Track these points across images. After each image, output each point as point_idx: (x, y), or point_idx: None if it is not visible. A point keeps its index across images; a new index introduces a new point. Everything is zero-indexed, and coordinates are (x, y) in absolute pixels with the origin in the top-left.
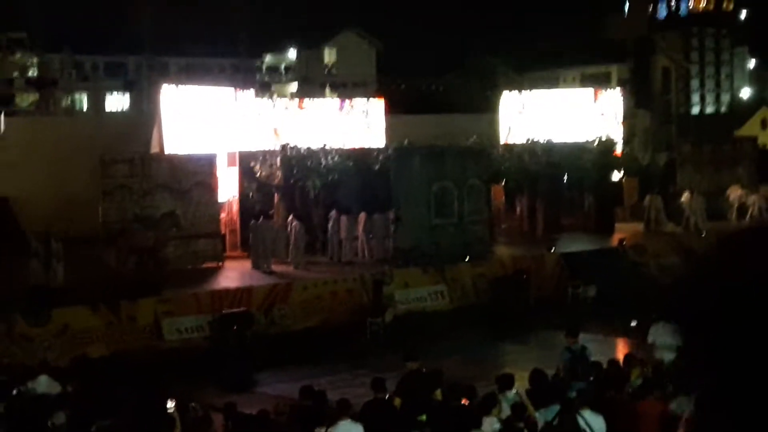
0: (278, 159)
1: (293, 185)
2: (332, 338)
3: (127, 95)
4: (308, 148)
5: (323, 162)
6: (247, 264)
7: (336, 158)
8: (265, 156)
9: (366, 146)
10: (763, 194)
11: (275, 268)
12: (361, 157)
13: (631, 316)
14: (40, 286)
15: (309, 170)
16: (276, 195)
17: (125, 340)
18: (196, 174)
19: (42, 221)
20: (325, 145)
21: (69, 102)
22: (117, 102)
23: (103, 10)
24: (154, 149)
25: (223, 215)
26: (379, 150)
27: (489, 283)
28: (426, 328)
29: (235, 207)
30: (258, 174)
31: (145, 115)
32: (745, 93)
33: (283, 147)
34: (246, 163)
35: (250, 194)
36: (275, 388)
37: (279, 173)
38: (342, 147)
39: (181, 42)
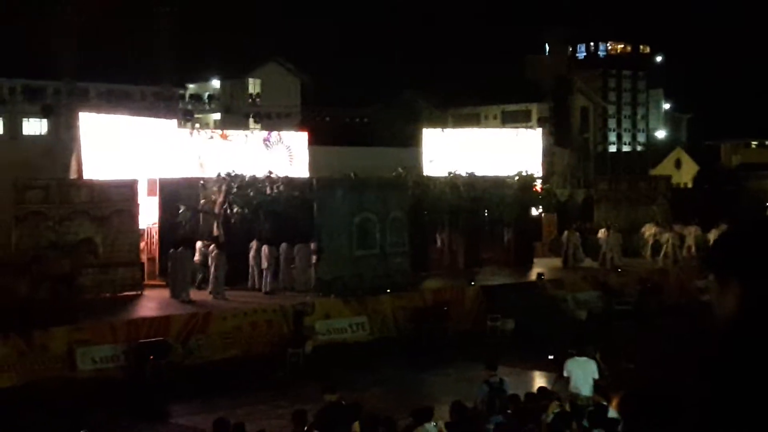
0: (222, 186)
1: (231, 213)
2: (251, 369)
3: (45, 120)
4: (253, 176)
5: (269, 191)
6: (165, 293)
7: (281, 187)
8: (206, 184)
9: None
10: (677, 232)
11: (195, 297)
12: (306, 186)
13: (548, 350)
14: None
15: (250, 198)
16: (215, 223)
17: (37, 370)
18: (117, 201)
19: None
20: (270, 173)
21: None
22: (35, 127)
23: (20, 33)
24: (73, 175)
25: (142, 243)
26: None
27: (409, 314)
28: (346, 359)
29: (155, 235)
30: (201, 202)
31: (63, 141)
32: (660, 134)
33: (227, 174)
34: (167, 190)
35: (184, 222)
36: (191, 420)
37: (219, 201)
38: (286, 176)
39: (102, 68)
